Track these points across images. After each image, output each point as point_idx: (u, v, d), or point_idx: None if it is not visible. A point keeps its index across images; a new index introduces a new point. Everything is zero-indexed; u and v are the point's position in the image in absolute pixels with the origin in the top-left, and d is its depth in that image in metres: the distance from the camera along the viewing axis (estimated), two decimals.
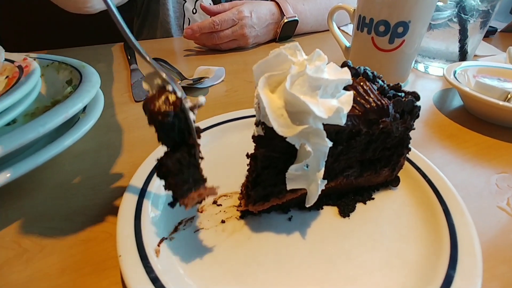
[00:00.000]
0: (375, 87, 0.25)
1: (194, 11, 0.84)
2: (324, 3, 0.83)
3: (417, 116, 0.26)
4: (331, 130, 0.23)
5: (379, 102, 0.24)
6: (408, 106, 0.25)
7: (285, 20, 0.75)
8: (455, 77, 0.47)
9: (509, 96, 0.44)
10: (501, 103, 0.40)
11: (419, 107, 0.25)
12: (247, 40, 0.71)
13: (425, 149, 0.40)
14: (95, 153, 0.38)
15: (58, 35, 1.01)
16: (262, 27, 0.73)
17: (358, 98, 0.24)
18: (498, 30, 0.92)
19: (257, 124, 0.23)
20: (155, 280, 0.20)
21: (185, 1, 0.83)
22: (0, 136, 0.27)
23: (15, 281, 0.23)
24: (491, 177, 0.35)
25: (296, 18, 0.76)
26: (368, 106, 0.24)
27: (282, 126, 0.20)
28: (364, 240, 0.25)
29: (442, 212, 0.26)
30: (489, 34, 0.88)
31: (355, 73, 0.26)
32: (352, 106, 0.23)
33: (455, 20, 0.58)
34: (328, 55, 0.62)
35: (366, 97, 0.24)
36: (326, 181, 0.24)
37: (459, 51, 0.61)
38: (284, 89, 0.20)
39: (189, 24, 0.85)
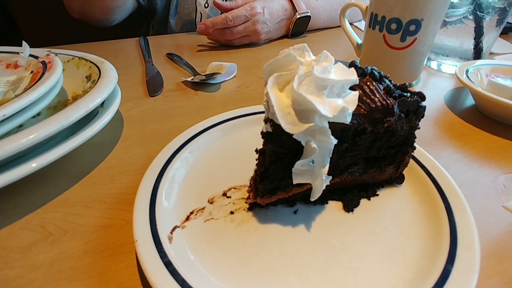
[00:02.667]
0: (381, 87, 0.26)
1: (206, 5, 0.85)
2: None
3: (422, 116, 0.26)
4: (336, 128, 0.24)
5: (384, 102, 0.25)
6: (413, 106, 0.25)
7: (298, 16, 0.75)
8: (468, 76, 0.47)
9: None
10: None
11: (424, 107, 0.26)
12: (259, 36, 0.72)
13: (433, 148, 0.40)
14: (112, 145, 0.40)
15: (76, 30, 1.04)
16: (274, 23, 0.73)
17: (364, 98, 0.25)
18: None
19: (266, 121, 0.24)
20: (168, 264, 0.22)
21: None
22: (27, 128, 0.29)
23: (42, 261, 0.26)
24: (498, 177, 0.35)
25: (309, 14, 0.76)
26: (374, 105, 0.24)
27: (289, 124, 0.21)
28: (367, 234, 0.26)
29: (444, 210, 0.26)
30: (508, 31, 0.86)
31: (362, 73, 0.27)
32: (358, 105, 0.24)
33: (470, 17, 0.57)
34: (340, 52, 0.63)
35: (372, 96, 0.25)
36: (331, 177, 0.25)
37: (473, 49, 0.60)
38: (292, 89, 0.21)
39: (201, 18, 0.86)
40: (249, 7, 0.69)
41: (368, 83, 0.26)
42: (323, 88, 0.21)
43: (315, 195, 0.25)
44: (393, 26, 0.49)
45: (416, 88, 0.56)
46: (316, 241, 0.26)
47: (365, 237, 0.26)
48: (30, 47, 0.43)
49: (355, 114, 0.24)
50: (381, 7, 0.49)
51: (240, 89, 0.55)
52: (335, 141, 0.22)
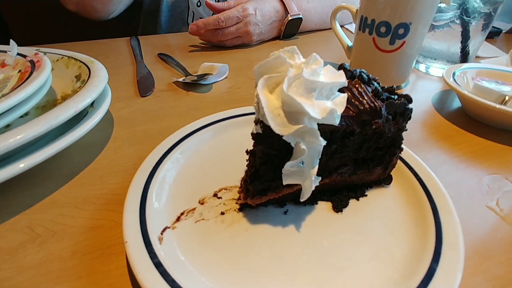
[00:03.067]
0: (370, 89, 0.27)
1: (199, 4, 0.85)
2: (329, 2, 0.83)
3: (409, 118, 0.27)
4: (326, 130, 0.24)
5: (372, 104, 0.25)
6: (400, 108, 0.26)
7: (289, 18, 0.76)
8: (454, 79, 0.48)
9: (506, 99, 0.44)
10: (497, 106, 0.41)
11: (411, 109, 0.27)
12: (251, 37, 0.72)
13: (421, 149, 0.41)
14: (102, 145, 0.39)
15: (65, 29, 1.02)
16: (266, 24, 0.74)
17: (353, 100, 0.25)
18: (503, 31, 0.91)
19: (256, 122, 0.24)
20: (158, 265, 0.22)
21: None
22: (15, 128, 0.29)
23: (30, 262, 0.25)
24: (483, 178, 0.36)
25: (300, 16, 0.77)
26: (362, 107, 0.25)
27: (279, 125, 0.22)
28: (355, 234, 0.27)
29: (431, 210, 0.27)
30: (494, 35, 0.88)
31: (351, 76, 0.27)
32: (347, 107, 0.25)
33: (457, 22, 0.58)
34: (331, 54, 0.64)
35: (360, 99, 0.25)
36: (320, 178, 0.25)
37: (460, 52, 0.62)
38: (282, 91, 0.22)
39: (193, 17, 0.86)
40: (241, 8, 0.69)
41: (356, 86, 0.26)
42: (312, 90, 0.22)
43: (305, 196, 0.26)
44: (383, 29, 0.50)
45: (404, 91, 0.57)
46: (305, 241, 0.26)
47: (353, 237, 0.27)
48: (18, 45, 0.42)
49: (343, 116, 0.24)
50: (370, 10, 0.50)
51: (232, 90, 0.55)
52: (324, 143, 0.23)
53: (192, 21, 0.87)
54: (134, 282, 0.24)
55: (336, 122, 0.23)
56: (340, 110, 0.22)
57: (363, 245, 0.26)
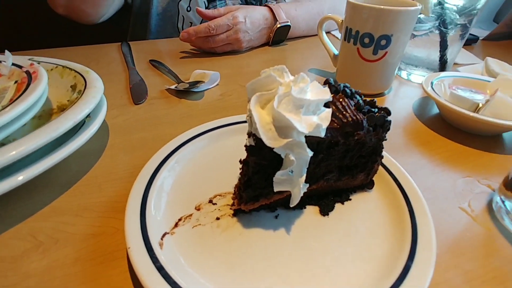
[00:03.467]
0: (352, 103, 0.29)
1: (189, 9, 0.86)
2: (316, 9, 0.86)
3: (388, 129, 0.30)
4: (313, 141, 0.26)
5: (354, 117, 0.27)
6: (380, 121, 0.29)
7: (278, 25, 0.78)
8: (433, 88, 0.51)
9: (479, 106, 0.48)
10: (471, 114, 0.44)
11: (390, 121, 0.29)
12: (241, 44, 0.74)
13: (401, 154, 0.44)
14: (98, 153, 0.41)
15: (54, 33, 1.02)
16: (255, 31, 0.76)
17: (337, 113, 0.28)
18: (480, 38, 0.96)
19: (249, 135, 0.26)
20: (160, 268, 0.23)
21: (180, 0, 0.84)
22: (16, 140, 0.30)
23: (34, 269, 0.26)
24: (457, 181, 0.39)
25: (289, 23, 0.79)
26: (345, 120, 0.27)
27: (270, 139, 0.24)
28: (340, 236, 0.29)
29: (408, 213, 0.30)
30: (471, 42, 0.93)
31: (335, 90, 0.30)
32: (332, 120, 0.27)
33: (436, 32, 0.62)
34: (319, 60, 0.67)
35: (344, 112, 0.28)
36: (308, 185, 0.27)
37: (439, 61, 0.65)
38: (273, 107, 0.24)
39: (183, 22, 0.87)
40: (231, 16, 0.71)
41: (340, 100, 0.29)
42: (300, 107, 0.24)
43: (294, 201, 0.28)
44: (366, 40, 0.52)
45: (388, 97, 0.60)
46: (295, 243, 0.28)
47: (339, 238, 0.29)
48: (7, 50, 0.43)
49: (329, 128, 0.27)
50: (355, 22, 0.53)
51: (223, 97, 0.57)
52: (311, 153, 0.25)
53: (182, 26, 0.88)
54: (136, 286, 0.25)
55: (322, 134, 0.25)
56: (325, 124, 0.25)
57: (348, 246, 0.28)
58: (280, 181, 0.26)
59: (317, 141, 0.27)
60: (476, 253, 0.30)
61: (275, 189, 0.27)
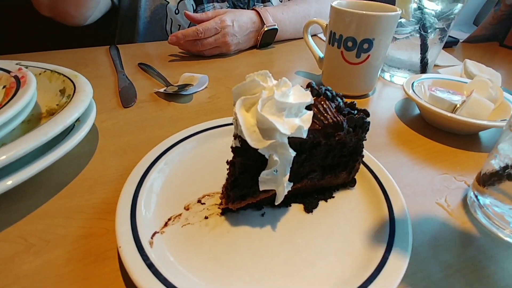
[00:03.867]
0: (333, 105, 0.31)
1: (177, 11, 0.86)
2: (302, 13, 0.88)
3: (367, 130, 0.31)
4: (296, 142, 0.28)
5: (335, 119, 0.29)
6: (359, 122, 0.30)
7: (265, 29, 0.80)
8: (413, 89, 0.54)
9: (456, 107, 0.50)
10: (449, 114, 0.47)
11: (369, 122, 0.31)
12: (229, 47, 0.76)
13: (383, 153, 0.46)
14: (88, 157, 0.41)
15: (42, 36, 1.01)
16: (243, 35, 0.77)
17: (319, 115, 0.29)
18: (461, 41, 1.00)
19: (235, 137, 0.27)
20: (150, 265, 0.24)
21: (168, 2, 0.85)
22: (5, 145, 0.31)
23: (26, 271, 0.27)
24: (434, 178, 0.41)
25: (276, 26, 0.81)
26: (326, 122, 0.29)
27: (254, 140, 0.25)
28: (324, 232, 0.31)
29: (387, 208, 0.32)
30: (452, 45, 0.96)
31: (317, 93, 0.31)
32: (313, 122, 0.29)
33: (416, 35, 0.65)
34: (305, 63, 0.70)
35: (325, 114, 0.29)
36: (292, 184, 0.29)
37: (420, 63, 0.68)
38: (256, 110, 0.25)
39: (171, 25, 0.88)
40: (219, 20, 0.72)
41: (322, 102, 0.30)
42: (282, 109, 0.25)
43: (279, 199, 0.29)
44: (349, 44, 0.54)
45: (371, 98, 0.62)
46: (281, 240, 0.30)
47: (323, 234, 0.31)
48: None
49: (311, 130, 0.28)
50: (338, 27, 0.55)
51: (212, 100, 0.58)
52: (293, 154, 0.26)
53: (171, 28, 0.88)
54: (127, 284, 0.26)
55: (304, 135, 0.26)
56: (306, 126, 0.26)
57: (331, 241, 0.30)
58: (265, 180, 0.28)
59: (300, 141, 0.28)
60: (451, 245, 0.32)
61: (261, 188, 0.28)
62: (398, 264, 0.26)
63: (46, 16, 0.76)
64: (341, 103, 0.31)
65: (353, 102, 0.32)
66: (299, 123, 0.26)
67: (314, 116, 0.29)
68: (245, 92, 0.27)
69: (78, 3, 0.73)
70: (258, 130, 0.25)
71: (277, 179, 0.28)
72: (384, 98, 0.63)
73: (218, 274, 0.26)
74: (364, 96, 0.63)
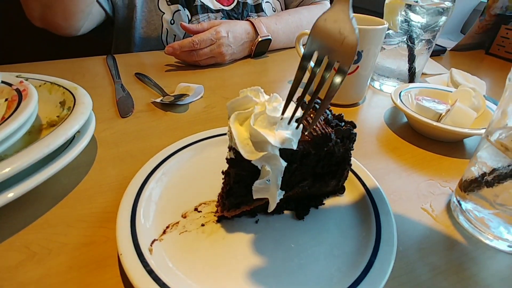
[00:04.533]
0: (322, 118, 0.33)
1: (172, 22, 0.88)
2: (295, 23, 0.91)
3: (354, 140, 0.33)
4: (287, 152, 0.30)
5: (324, 131, 0.31)
6: (346, 133, 0.32)
7: (259, 39, 0.82)
8: (401, 99, 0.56)
9: (441, 115, 0.53)
10: (434, 123, 0.49)
11: (355, 133, 0.33)
12: (224, 57, 0.78)
13: (372, 160, 0.48)
14: (87, 167, 0.43)
15: (39, 46, 1.02)
16: (238, 45, 0.80)
17: (308, 128, 0.31)
18: (448, 49, 1.03)
19: (229, 149, 0.29)
20: (150, 272, 0.26)
21: (163, 13, 0.87)
22: (8, 156, 0.32)
23: (30, 278, 0.28)
24: (420, 184, 0.43)
25: (269, 37, 0.83)
26: (315, 134, 0.31)
27: (248, 152, 0.27)
28: (314, 237, 0.32)
29: (373, 214, 0.33)
30: (440, 53, 1.00)
31: (306, 107, 0.33)
32: (303, 134, 0.31)
33: (404, 45, 0.67)
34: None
35: (314, 127, 0.31)
36: (284, 192, 0.31)
37: (408, 72, 0.71)
38: (249, 124, 0.27)
39: (167, 35, 0.90)
40: (214, 31, 0.74)
41: (311, 115, 0.32)
42: (273, 123, 0.27)
43: (272, 207, 0.31)
44: None
45: (362, 107, 0.65)
46: (274, 245, 0.31)
47: (313, 239, 0.32)
48: None
49: (301, 141, 0.30)
50: None
51: (207, 109, 0.59)
52: (284, 164, 0.28)
53: (166, 38, 0.90)
54: None
55: (294, 147, 0.28)
56: (296, 138, 0.28)
57: (321, 245, 0.32)
58: (258, 189, 0.30)
59: (291, 152, 0.30)
60: (436, 248, 0.34)
61: (254, 197, 0.30)
62: (383, 268, 0.27)
63: (39, 27, 0.77)
64: (329, 116, 0.33)
65: (341, 114, 0.34)
66: (289, 136, 0.27)
67: (303, 128, 0.30)
68: (238, 107, 0.29)
69: (65, 15, 0.73)
70: (251, 142, 0.27)
71: (270, 188, 0.30)
72: (374, 107, 0.65)
73: (215, 278, 0.28)
74: (355, 105, 0.65)
